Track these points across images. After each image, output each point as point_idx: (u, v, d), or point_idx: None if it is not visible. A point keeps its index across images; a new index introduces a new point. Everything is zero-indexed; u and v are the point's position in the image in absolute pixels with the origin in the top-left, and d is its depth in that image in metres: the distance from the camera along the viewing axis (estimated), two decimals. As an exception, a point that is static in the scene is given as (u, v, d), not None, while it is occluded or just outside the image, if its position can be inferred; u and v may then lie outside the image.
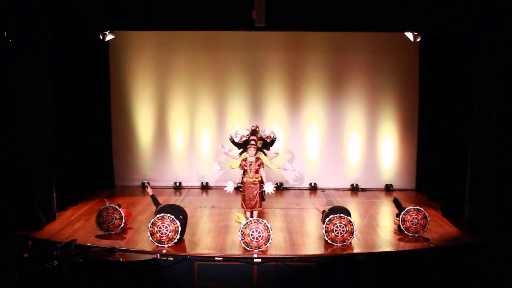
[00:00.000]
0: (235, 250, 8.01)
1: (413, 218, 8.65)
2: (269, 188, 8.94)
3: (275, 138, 10.49)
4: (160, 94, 12.32)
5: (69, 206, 10.28)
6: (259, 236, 7.91)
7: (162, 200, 10.76)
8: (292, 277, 7.72)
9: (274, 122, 12.22)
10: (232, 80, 12.27)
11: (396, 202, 9.13)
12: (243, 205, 9.26)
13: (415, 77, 11.89)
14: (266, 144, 10.43)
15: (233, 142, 10.50)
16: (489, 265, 7.76)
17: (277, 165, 9.61)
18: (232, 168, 9.40)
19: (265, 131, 10.65)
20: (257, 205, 9.19)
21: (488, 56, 8.72)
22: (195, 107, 12.33)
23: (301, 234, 8.84)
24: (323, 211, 8.54)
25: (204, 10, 8.79)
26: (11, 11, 8.57)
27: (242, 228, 7.96)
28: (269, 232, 7.96)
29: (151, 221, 8.08)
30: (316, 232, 8.86)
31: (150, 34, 11.96)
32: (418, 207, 8.74)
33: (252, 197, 9.14)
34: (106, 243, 8.20)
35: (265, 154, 10.18)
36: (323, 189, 12.24)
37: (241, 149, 10.26)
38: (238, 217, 8.29)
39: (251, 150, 9.17)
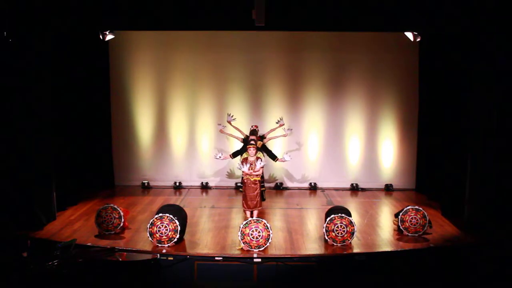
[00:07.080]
0: (235, 250, 8.01)
1: (412, 218, 8.64)
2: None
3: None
4: (160, 94, 12.32)
5: (69, 206, 10.29)
6: (259, 236, 7.91)
7: (162, 200, 10.83)
8: (292, 277, 7.71)
9: (274, 122, 12.20)
10: (232, 80, 12.27)
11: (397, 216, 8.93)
12: (244, 205, 9.28)
13: (415, 77, 11.89)
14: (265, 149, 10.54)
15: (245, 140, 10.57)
16: (489, 265, 7.75)
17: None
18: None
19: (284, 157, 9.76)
20: (258, 205, 9.21)
21: (488, 55, 8.71)
22: (195, 107, 12.33)
23: (301, 234, 8.84)
24: None
25: (204, 10, 8.79)
26: (11, 11, 8.57)
27: (242, 228, 7.96)
28: (269, 231, 7.95)
29: (150, 222, 8.08)
30: (316, 232, 8.85)
31: (150, 34, 11.97)
32: (416, 207, 8.73)
33: (253, 196, 9.15)
34: (106, 243, 8.21)
35: (265, 151, 10.24)
36: (323, 189, 12.25)
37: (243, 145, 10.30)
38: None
39: (251, 150, 9.18)
